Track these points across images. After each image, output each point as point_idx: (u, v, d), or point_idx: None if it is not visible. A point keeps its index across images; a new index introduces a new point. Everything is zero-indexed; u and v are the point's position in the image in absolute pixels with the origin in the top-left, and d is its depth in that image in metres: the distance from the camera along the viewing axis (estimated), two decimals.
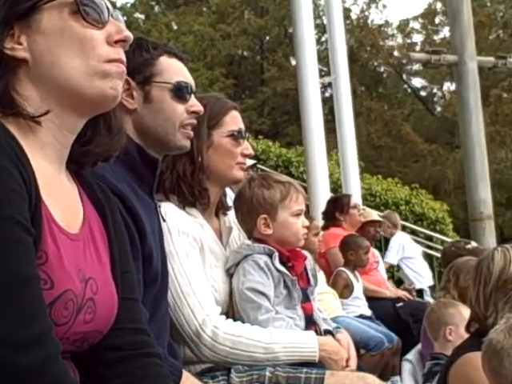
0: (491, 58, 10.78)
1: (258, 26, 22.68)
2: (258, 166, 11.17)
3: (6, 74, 1.08)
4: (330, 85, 8.69)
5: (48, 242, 1.04)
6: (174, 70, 1.82)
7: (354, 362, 2.14)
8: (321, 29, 18.40)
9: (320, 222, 5.67)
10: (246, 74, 23.96)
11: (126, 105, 1.75)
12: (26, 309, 0.94)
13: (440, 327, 3.03)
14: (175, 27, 23.06)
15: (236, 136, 2.16)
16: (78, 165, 1.21)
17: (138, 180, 1.70)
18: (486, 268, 2.29)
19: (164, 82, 1.79)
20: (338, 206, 5.82)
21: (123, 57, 1.16)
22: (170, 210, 2.00)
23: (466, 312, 2.80)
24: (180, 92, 1.80)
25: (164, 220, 1.90)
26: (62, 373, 0.96)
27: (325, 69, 13.41)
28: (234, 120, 2.18)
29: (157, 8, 24.98)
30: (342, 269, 5.02)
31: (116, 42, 1.15)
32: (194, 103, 1.84)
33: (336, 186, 9.58)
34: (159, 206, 1.86)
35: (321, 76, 8.63)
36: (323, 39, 20.39)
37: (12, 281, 0.93)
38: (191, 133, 1.84)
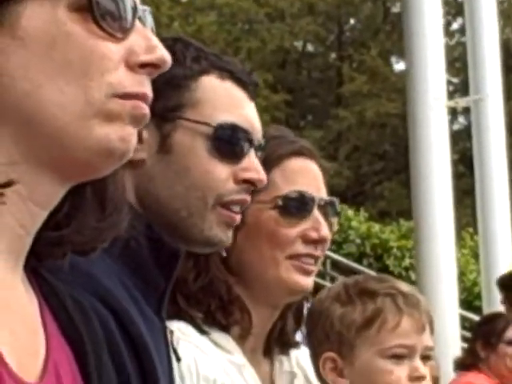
0: None
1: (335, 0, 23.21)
2: (328, 253, 11.23)
3: None
4: (466, 111, 8.73)
5: None
6: (222, 101, 1.86)
7: None
8: (452, 9, 18.64)
9: (447, 366, 5.65)
10: (311, 84, 24.32)
11: None
12: None
13: None
14: None
15: (295, 207, 2.20)
16: (36, 257, 1.23)
17: (142, 284, 1.73)
18: None
19: (200, 121, 1.83)
20: (484, 333, 5.85)
21: (149, 91, 1.20)
22: (183, 337, 2.03)
23: None
24: (226, 143, 1.84)
25: (178, 360, 1.92)
26: None
27: (455, 81, 13.47)
28: (296, 176, 2.23)
29: None
30: None
31: (142, 65, 1.19)
32: (252, 165, 1.86)
33: (472, 294, 9.58)
34: (171, 333, 1.87)
35: (450, 95, 8.71)
36: (455, 27, 20.69)
37: None
38: (237, 218, 1.86)
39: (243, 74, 1.88)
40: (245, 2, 22.63)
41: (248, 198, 1.87)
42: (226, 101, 1.86)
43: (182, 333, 2.03)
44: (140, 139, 1.70)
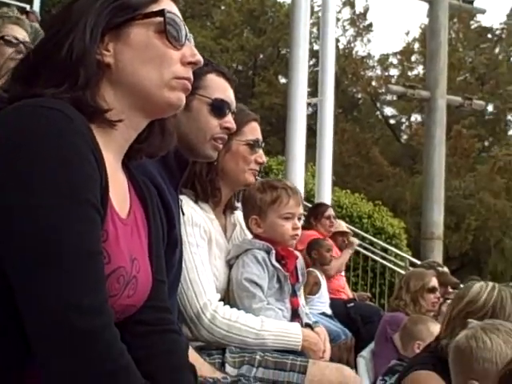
0: (459, 98, 10.89)
1: (254, 44, 22.82)
2: None
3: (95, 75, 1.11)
4: (314, 104, 8.69)
5: (109, 223, 1.06)
6: (217, 87, 1.82)
7: (328, 354, 2.18)
8: (311, 53, 18.50)
9: None
10: (239, 86, 23.87)
11: None
12: (92, 279, 0.95)
13: (410, 341, 3.12)
14: None
15: (253, 145, 2.14)
16: (128, 158, 1.22)
17: (168, 175, 1.69)
18: (460, 293, 2.11)
19: (205, 96, 1.79)
20: (313, 212, 5.84)
21: (191, 76, 1.19)
22: (186, 203, 1.99)
23: (434, 328, 2.86)
24: (217, 108, 1.80)
25: (183, 213, 1.89)
26: (114, 339, 0.97)
27: (309, 89, 13.42)
28: (253, 131, 2.16)
29: None
30: (311, 269, 4.98)
31: (188, 63, 1.18)
32: (229, 120, 1.82)
33: (309, 195, 9.61)
34: (180, 200, 1.85)
35: (308, 96, 8.65)
36: (311, 63, 20.37)
37: (84, 254, 0.95)
38: (220, 146, 1.82)
39: (228, 74, 1.87)
40: (210, 43, 22.19)
41: (226, 136, 1.83)
42: (219, 87, 1.83)
43: (185, 201, 1.99)
44: None
